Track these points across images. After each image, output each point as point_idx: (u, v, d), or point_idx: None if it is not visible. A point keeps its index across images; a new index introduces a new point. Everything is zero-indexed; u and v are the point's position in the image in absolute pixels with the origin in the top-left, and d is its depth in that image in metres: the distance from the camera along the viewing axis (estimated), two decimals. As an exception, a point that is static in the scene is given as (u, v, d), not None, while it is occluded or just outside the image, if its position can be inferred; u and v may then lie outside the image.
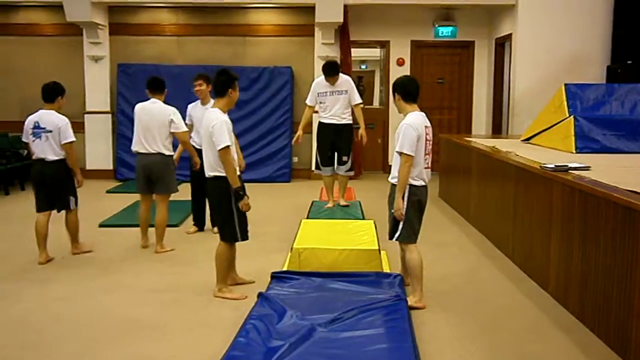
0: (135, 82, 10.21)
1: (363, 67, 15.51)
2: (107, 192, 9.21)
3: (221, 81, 4.50)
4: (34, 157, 5.55)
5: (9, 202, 8.50)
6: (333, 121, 6.76)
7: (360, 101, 6.81)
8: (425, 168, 4.40)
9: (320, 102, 6.76)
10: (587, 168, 4.76)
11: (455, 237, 6.57)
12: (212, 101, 6.37)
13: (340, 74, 6.75)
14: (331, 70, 6.65)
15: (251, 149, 10.05)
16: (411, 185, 4.34)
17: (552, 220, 4.60)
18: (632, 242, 3.45)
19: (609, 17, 9.31)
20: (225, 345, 3.54)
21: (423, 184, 4.41)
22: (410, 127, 4.27)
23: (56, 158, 5.49)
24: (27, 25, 10.45)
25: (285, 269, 5.04)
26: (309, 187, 9.42)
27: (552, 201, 4.60)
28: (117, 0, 9.88)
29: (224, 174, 4.38)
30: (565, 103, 6.78)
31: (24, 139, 5.64)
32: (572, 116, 6.56)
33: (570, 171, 4.66)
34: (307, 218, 6.51)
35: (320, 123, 6.91)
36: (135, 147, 5.92)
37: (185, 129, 6.02)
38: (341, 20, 9.64)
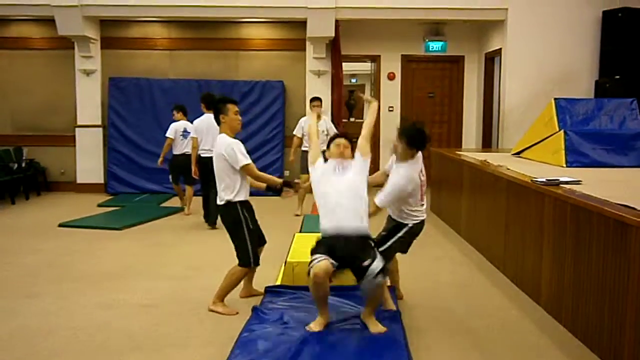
0: (126, 96, 10.23)
1: (354, 80, 15.62)
2: (98, 205, 9.16)
3: (214, 111, 4.67)
4: (179, 152, 8.32)
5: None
6: None
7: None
8: (422, 205, 4.42)
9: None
10: (578, 182, 4.81)
11: (446, 250, 6.60)
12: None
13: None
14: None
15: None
16: (413, 224, 4.36)
17: (544, 234, 4.64)
18: (624, 255, 3.48)
19: (597, 32, 9.44)
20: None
21: (422, 219, 4.44)
22: (407, 181, 4.20)
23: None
24: (19, 38, 10.41)
25: (278, 283, 5.04)
26: (301, 201, 9.40)
27: (544, 215, 4.64)
28: (108, 15, 9.86)
29: (234, 200, 4.46)
30: (555, 117, 6.85)
31: (171, 135, 8.34)
32: (562, 130, 6.64)
33: (561, 185, 4.70)
34: (300, 232, 6.51)
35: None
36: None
37: None
38: (332, 34, 9.71)
